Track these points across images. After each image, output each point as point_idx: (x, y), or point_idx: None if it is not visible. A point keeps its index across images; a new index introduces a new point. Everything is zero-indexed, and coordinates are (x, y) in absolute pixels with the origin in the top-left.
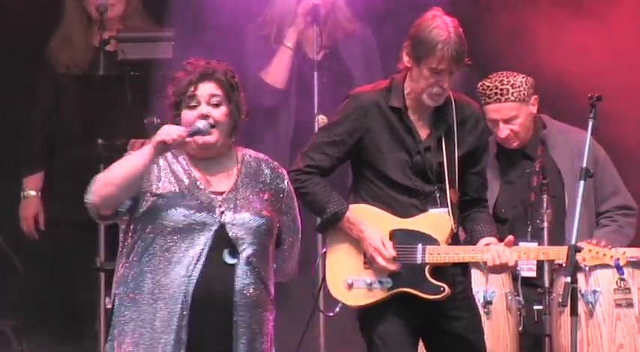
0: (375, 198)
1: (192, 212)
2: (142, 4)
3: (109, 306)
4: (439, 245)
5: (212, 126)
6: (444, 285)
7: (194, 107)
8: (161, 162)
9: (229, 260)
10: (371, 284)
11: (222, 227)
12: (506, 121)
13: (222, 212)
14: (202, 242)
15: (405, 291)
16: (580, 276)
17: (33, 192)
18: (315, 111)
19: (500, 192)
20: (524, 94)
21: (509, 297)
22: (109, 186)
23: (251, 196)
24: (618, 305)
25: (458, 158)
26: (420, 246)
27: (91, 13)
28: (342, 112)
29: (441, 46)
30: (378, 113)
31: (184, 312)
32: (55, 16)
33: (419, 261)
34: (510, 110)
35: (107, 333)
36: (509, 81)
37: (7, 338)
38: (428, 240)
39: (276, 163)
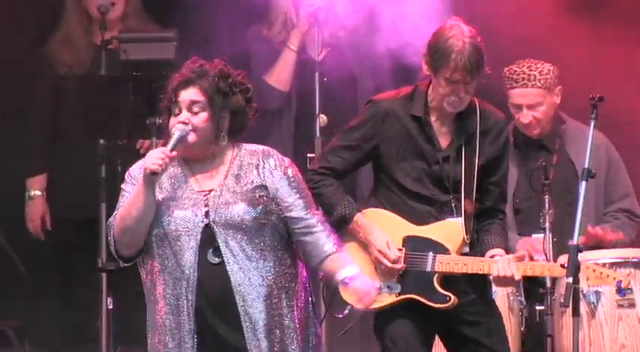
0: (392, 204)
1: (176, 214)
2: (141, 4)
3: (111, 306)
4: (450, 254)
5: (192, 130)
6: (451, 295)
7: (177, 114)
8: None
9: (213, 260)
10: (380, 288)
11: (207, 226)
12: (530, 107)
13: (207, 212)
14: (192, 244)
15: (413, 298)
16: (582, 277)
17: (38, 192)
18: (317, 111)
19: (517, 182)
20: (550, 83)
21: (511, 298)
22: (128, 234)
23: (239, 190)
24: (620, 306)
25: (477, 168)
26: (430, 254)
27: (92, 13)
28: (361, 117)
29: (454, 56)
30: (397, 121)
31: (191, 318)
32: (55, 15)
33: (428, 269)
34: (536, 96)
35: (109, 333)
36: (537, 67)
37: (9, 338)
38: (440, 248)
39: (274, 152)
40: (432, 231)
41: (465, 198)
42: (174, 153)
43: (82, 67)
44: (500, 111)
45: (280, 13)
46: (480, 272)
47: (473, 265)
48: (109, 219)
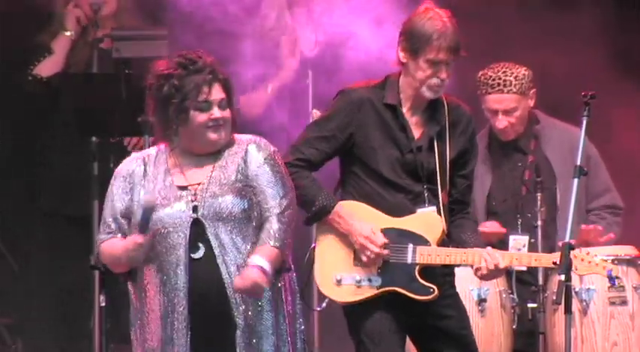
0: (363, 195)
1: (164, 211)
2: (133, 2)
3: (103, 304)
4: (430, 246)
5: (222, 125)
6: (434, 286)
7: (205, 110)
8: (143, 169)
9: (196, 255)
10: (360, 281)
11: (197, 221)
12: (506, 112)
13: (195, 206)
14: (181, 240)
15: (394, 290)
16: (574, 274)
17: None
18: (310, 107)
19: (492, 184)
20: (525, 87)
21: (504, 295)
22: (119, 268)
23: (226, 181)
24: (612, 303)
25: (449, 160)
26: (410, 245)
27: (84, 11)
28: (334, 108)
29: (437, 36)
30: (371, 109)
31: (184, 319)
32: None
33: (409, 261)
34: (511, 102)
35: (101, 331)
36: (512, 72)
37: (1, 336)
38: (419, 240)
39: (262, 139)
40: (409, 222)
41: (441, 190)
42: (147, 235)
43: (79, 66)
44: (465, 104)
45: (274, 10)
46: (464, 263)
47: (456, 256)
48: (97, 237)
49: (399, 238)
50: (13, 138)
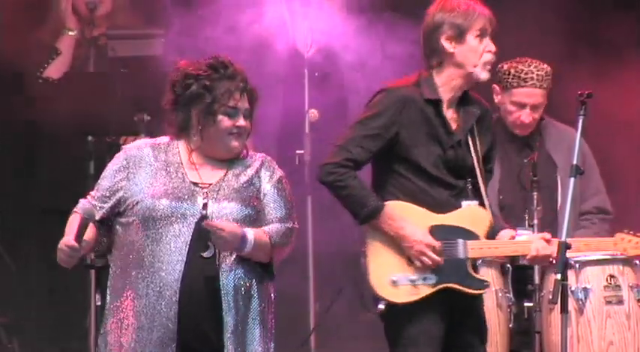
0: (407, 193)
1: (174, 202)
2: (128, 1)
3: (99, 303)
4: (479, 239)
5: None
6: (487, 279)
7: (232, 116)
8: (156, 157)
9: (206, 254)
10: (414, 280)
11: (204, 218)
12: (534, 107)
13: (206, 204)
14: (184, 234)
15: (450, 287)
16: (570, 273)
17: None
18: (306, 107)
19: (501, 177)
20: (549, 83)
21: (500, 294)
22: None
23: (238, 188)
24: (608, 303)
25: (482, 153)
26: (461, 240)
27: (80, 10)
28: (379, 106)
29: (479, 11)
30: (415, 107)
31: (172, 308)
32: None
33: (462, 256)
34: (540, 97)
35: (97, 330)
36: (542, 68)
37: None
38: (467, 234)
39: (272, 161)
40: (456, 217)
41: (483, 183)
42: (81, 245)
43: (77, 64)
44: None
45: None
46: (516, 254)
47: (506, 248)
48: (79, 203)
49: (449, 234)
50: (13, 138)
